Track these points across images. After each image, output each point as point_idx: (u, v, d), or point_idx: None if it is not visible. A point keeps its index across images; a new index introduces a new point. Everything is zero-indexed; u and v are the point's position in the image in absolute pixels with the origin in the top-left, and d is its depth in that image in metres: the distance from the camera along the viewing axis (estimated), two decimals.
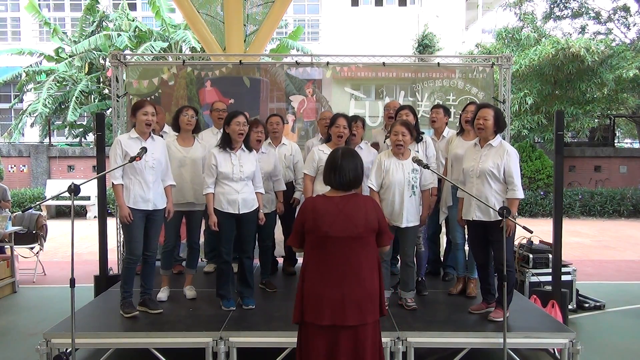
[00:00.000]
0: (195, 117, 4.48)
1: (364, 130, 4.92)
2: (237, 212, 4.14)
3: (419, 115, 5.27)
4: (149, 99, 6.07)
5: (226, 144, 4.16)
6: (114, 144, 4.03)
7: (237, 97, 6.15)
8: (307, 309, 2.67)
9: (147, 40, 16.23)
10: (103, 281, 5.13)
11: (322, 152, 4.34)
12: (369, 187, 4.18)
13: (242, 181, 4.15)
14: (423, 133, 4.81)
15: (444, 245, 5.41)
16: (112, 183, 3.98)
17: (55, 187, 13.41)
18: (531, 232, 3.61)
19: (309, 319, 2.66)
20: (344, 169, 2.73)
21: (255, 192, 4.29)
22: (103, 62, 16.66)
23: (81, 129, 17.62)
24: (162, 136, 4.65)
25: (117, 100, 6.00)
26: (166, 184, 4.20)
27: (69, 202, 12.66)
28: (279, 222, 5.15)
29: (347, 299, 2.62)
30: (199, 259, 5.52)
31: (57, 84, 15.99)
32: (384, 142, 4.93)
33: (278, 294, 4.74)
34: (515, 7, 16.66)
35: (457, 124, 4.85)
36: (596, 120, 15.58)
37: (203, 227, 5.02)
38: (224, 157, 4.14)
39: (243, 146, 4.22)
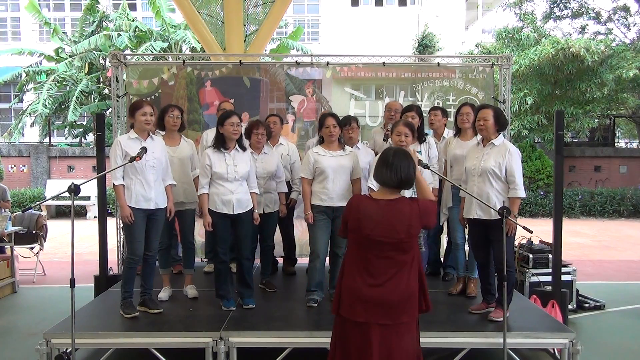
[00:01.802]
0: (180, 116, 4.46)
1: (359, 128, 4.91)
2: (232, 213, 4.13)
3: None
4: (149, 99, 6.09)
5: (220, 144, 4.15)
6: (114, 145, 4.03)
7: (237, 97, 6.15)
8: (343, 304, 2.75)
9: (147, 40, 16.23)
10: (103, 281, 5.13)
11: (316, 153, 4.30)
12: (369, 187, 4.18)
13: (236, 181, 4.15)
14: (427, 134, 4.82)
15: (444, 245, 5.42)
16: (113, 184, 3.97)
17: (55, 187, 13.40)
18: (531, 232, 3.61)
19: (345, 313, 2.73)
20: (396, 166, 2.74)
21: (250, 192, 4.28)
22: (103, 62, 16.65)
23: (81, 129, 17.62)
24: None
25: (117, 100, 6.00)
26: (166, 183, 4.19)
27: (69, 202, 12.65)
28: None
29: (382, 300, 2.68)
30: (199, 259, 5.54)
31: (57, 84, 15.98)
32: (383, 140, 4.93)
33: (278, 294, 4.74)
34: (515, 7, 16.64)
35: (454, 125, 4.85)
36: (596, 120, 15.57)
37: (203, 228, 5.01)
38: (218, 157, 4.14)
39: (237, 146, 4.21)
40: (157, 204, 4.07)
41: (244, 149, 4.27)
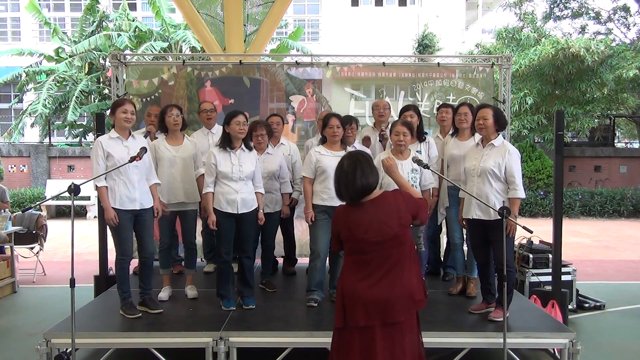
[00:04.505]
0: (180, 115, 4.43)
1: (357, 129, 4.92)
2: (236, 212, 4.13)
3: None
4: (149, 99, 6.09)
5: (226, 143, 4.16)
6: (95, 146, 3.98)
7: (237, 97, 6.15)
8: (348, 312, 2.69)
9: (147, 40, 16.22)
10: (103, 281, 5.14)
11: (318, 153, 4.32)
12: None
13: (241, 181, 4.15)
14: (426, 133, 4.82)
15: (444, 245, 5.42)
16: (96, 185, 3.90)
17: (55, 187, 13.41)
18: (531, 232, 3.61)
19: (351, 321, 2.68)
20: (351, 182, 2.69)
21: (255, 192, 4.28)
22: (103, 62, 16.65)
23: (81, 129, 17.60)
24: (157, 137, 4.64)
25: None
26: (151, 182, 4.16)
27: (69, 202, 12.66)
28: None
29: (387, 299, 2.65)
30: (200, 259, 5.54)
31: (57, 84, 15.96)
32: (379, 140, 4.92)
33: (278, 294, 4.75)
34: (515, 7, 16.66)
35: (451, 125, 4.84)
36: (596, 120, 15.58)
37: (200, 228, 5.02)
38: (223, 157, 4.14)
39: (243, 146, 4.22)
40: (142, 204, 4.04)
41: (250, 148, 4.27)
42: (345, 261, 2.80)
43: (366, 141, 5.05)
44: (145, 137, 4.98)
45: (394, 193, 2.81)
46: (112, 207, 3.92)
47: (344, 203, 2.81)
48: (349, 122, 4.55)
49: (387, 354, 2.65)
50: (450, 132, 4.79)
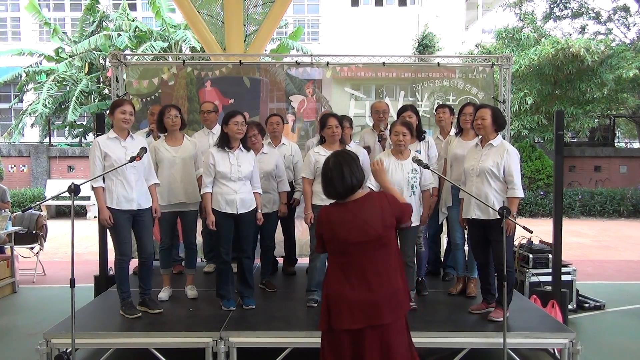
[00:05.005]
0: (178, 115, 4.42)
1: (352, 129, 4.90)
2: (236, 212, 4.13)
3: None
4: (149, 99, 6.09)
5: (224, 143, 4.16)
6: (93, 146, 3.97)
7: (237, 97, 6.16)
8: (332, 315, 2.66)
9: (147, 40, 16.22)
10: (103, 281, 5.14)
11: (317, 153, 4.32)
12: (369, 187, 4.17)
13: (240, 181, 4.15)
14: (425, 132, 4.82)
15: (444, 245, 5.42)
16: (92, 186, 3.88)
17: (55, 187, 13.41)
18: (531, 232, 3.61)
19: (335, 324, 2.64)
20: (340, 179, 2.68)
21: (253, 192, 4.28)
22: (103, 62, 16.65)
23: (81, 129, 17.61)
24: (159, 136, 4.64)
25: None
26: (150, 183, 4.16)
27: (69, 202, 12.66)
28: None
29: (371, 301, 2.62)
30: (200, 259, 5.54)
31: (57, 84, 15.97)
32: (378, 141, 4.91)
33: (278, 294, 4.75)
34: (515, 7, 16.67)
35: (456, 125, 4.85)
36: (596, 120, 15.58)
37: (200, 228, 5.03)
38: (222, 157, 4.14)
39: (241, 146, 4.22)
40: (140, 205, 4.03)
41: (247, 149, 4.27)
42: (330, 263, 2.77)
43: (366, 149, 5.02)
44: (148, 135, 4.99)
45: (379, 194, 2.79)
46: (109, 207, 3.92)
47: (333, 201, 2.79)
48: (341, 122, 4.54)
49: (376, 356, 2.61)
50: (455, 132, 4.79)
